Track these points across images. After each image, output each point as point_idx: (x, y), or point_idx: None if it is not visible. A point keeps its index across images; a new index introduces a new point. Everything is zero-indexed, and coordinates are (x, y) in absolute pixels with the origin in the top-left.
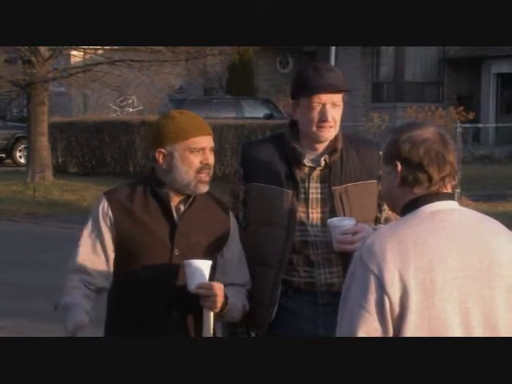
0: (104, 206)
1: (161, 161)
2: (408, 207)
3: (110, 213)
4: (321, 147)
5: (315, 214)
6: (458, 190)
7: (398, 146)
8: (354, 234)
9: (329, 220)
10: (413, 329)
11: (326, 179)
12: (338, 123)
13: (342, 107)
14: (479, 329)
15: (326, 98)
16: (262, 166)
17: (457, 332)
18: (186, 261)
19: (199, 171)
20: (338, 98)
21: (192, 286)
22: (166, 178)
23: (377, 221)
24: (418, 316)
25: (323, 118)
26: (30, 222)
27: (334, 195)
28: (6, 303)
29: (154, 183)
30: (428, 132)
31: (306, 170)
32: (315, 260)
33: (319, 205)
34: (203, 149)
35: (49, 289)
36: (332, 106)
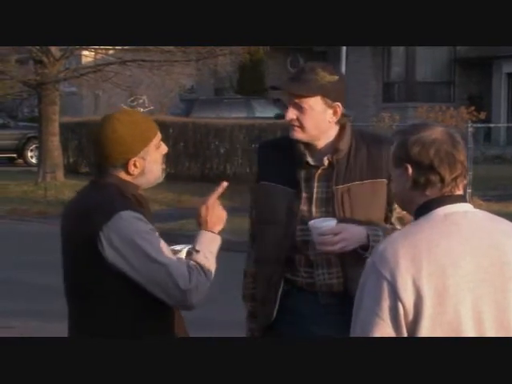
0: (141, 217)
1: (133, 168)
2: (421, 210)
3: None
4: (323, 146)
5: (318, 214)
6: (470, 190)
7: (407, 148)
8: (336, 234)
9: (310, 221)
10: (426, 334)
11: (330, 178)
12: (307, 127)
13: (316, 112)
14: (492, 332)
15: (289, 97)
16: (270, 164)
17: (470, 336)
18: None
19: (163, 162)
20: (301, 100)
21: None
22: (135, 181)
23: (387, 220)
24: (432, 321)
25: (286, 117)
26: (41, 221)
27: (335, 195)
28: (17, 303)
29: (133, 187)
30: (436, 132)
31: (310, 169)
32: (314, 260)
33: (323, 204)
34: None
35: (59, 289)
36: (296, 108)
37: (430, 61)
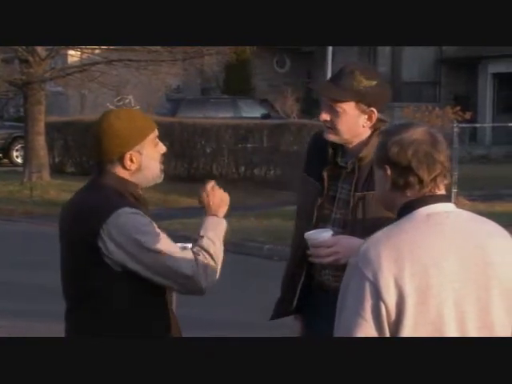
0: (139, 212)
1: (129, 163)
2: (403, 211)
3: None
4: (354, 149)
5: (338, 215)
6: (455, 190)
7: (387, 149)
8: (330, 247)
9: (306, 232)
10: (409, 333)
11: (351, 183)
12: (340, 130)
13: (350, 116)
14: (474, 332)
15: (324, 99)
16: (312, 157)
17: (453, 335)
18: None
19: (160, 161)
20: (335, 104)
21: None
22: (133, 179)
23: None
24: (414, 320)
25: (320, 118)
26: (28, 221)
27: (352, 200)
28: (9, 303)
29: (131, 186)
30: (417, 133)
31: (339, 169)
32: None
33: (343, 206)
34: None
35: (45, 288)
36: (330, 111)
37: (416, 61)
